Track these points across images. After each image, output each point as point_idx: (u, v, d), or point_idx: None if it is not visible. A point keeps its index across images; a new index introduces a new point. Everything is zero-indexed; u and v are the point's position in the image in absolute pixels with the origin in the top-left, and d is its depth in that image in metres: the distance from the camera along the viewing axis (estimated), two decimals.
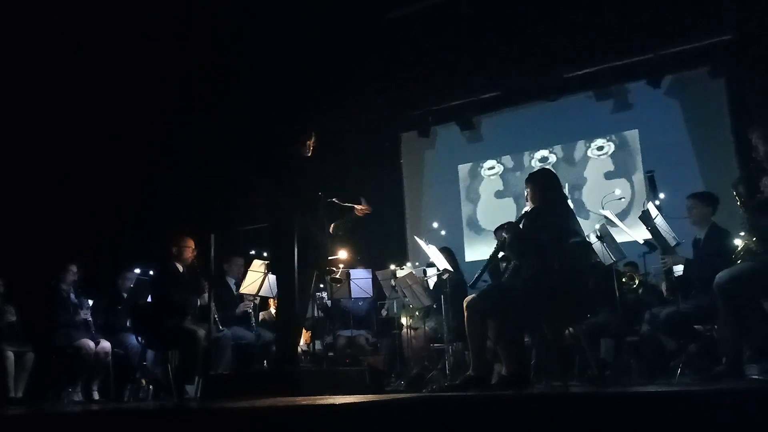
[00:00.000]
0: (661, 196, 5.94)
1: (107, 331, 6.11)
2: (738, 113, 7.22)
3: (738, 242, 3.99)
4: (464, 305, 3.94)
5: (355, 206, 4.68)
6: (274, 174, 4.73)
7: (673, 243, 4.57)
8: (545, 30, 7.46)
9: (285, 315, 4.52)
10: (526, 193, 4.23)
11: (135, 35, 7.19)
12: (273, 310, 5.90)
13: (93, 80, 7.37)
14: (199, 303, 5.50)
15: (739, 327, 3.55)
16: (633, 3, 6.92)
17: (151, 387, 5.90)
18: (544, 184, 4.16)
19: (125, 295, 6.39)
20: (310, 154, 4.77)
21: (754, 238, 3.40)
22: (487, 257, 4.39)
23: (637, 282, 5.68)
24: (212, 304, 5.83)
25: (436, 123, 9.17)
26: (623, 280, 5.51)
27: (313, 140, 4.77)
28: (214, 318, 5.86)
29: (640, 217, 4.78)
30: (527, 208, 4.19)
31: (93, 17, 6.78)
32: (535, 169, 4.41)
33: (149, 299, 5.79)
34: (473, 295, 3.99)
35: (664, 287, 5.07)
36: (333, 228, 4.72)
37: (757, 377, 3.83)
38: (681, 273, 4.70)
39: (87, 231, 7.58)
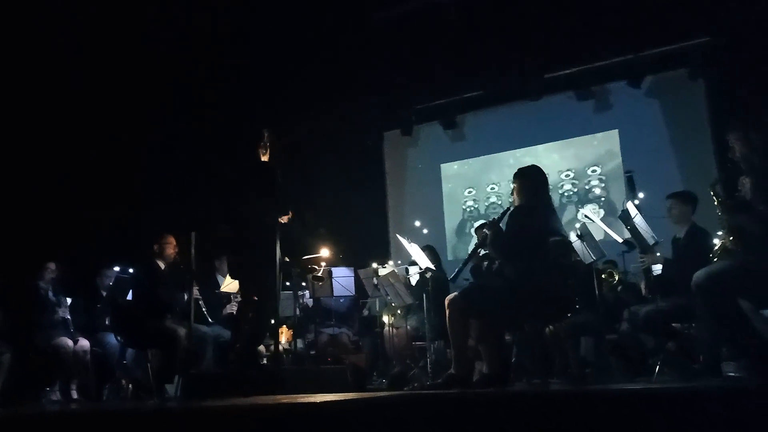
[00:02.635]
0: (641, 195, 6.01)
1: (86, 329, 6.04)
2: (716, 114, 7.33)
3: (717, 242, 4.04)
4: (446, 304, 3.95)
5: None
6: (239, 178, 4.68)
7: (651, 242, 4.62)
8: (527, 30, 7.50)
9: (264, 315, 4.50)
10: (512, 187, 4.23)
11: (123, 35, 7.15)
12: None
13: (71, 80, 7.30)
14: (186, 297, 5.46)
15: (716, 325, 3.59)
16: (614, 4, 6.98)
17: (130, 386, 5.84)
18: (533, 181, 4.15)
19: (104, 293, 6.32)
20: (267, 157, 4.68)
21: (732, 238, 3.44)
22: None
23: (616, 280, 5.74)
24: (201, 302, 5.82)
25: (419, 122, 9.18)
26: (604, 277, 5.55)
27: (267, 141, 4.66)
28: (204, 312, 5.85)
29: (619, 217, 4.82)
30: (510, 205, 4.20)
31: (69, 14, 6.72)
32: (524, 165, 4.33)
33: (129, 297, 5.73)
34: (455, 293, 3.99)
35: (643, 286, 5.12)
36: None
37: (733, 374, 3.89)
38: (660, 272, 4.75)
39: (66, 228, 7.49)
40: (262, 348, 5.59)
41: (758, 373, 3.14)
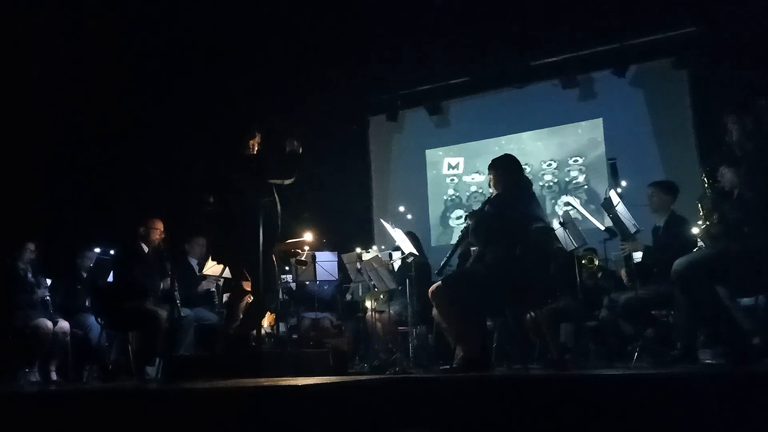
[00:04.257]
0: (623, 183, 6.05)
1: (66, 310, 5.99)
2: (699, 104, 7.38)
3: (696, 230, 4.09)
4: (430, 295, 3.96)
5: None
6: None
7: (633, 230, 4.65)
8: (514, 18, 7.48)
9: (255, 299, 4.50)
10: (489, 179, 4.26)
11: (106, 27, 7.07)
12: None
13: (53, 63, 7.20)
14: (162, 285, 5.43)
15: (694, 313, 3.65)
16: None
17: (110, 368, 5.80)
18: (507, 169, 4.19)
19: (85, 274, 6.26)
20: (255, 152, 4.67)
21: (716, 221, 3.49)
22: (453, 242, 4.41)
23: (596, 267, 5.78)
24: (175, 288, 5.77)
25: (404, 107, 9.16)
26: (584, 263, 5.59)
27: (258, 139, 4.67)
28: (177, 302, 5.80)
29: (602, 204, 4.85)
30: (490, 194, 4.23)
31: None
32: (497, 155, 4.37)
33: (110, 279, 5.69)
34: (437, 283, 4.00)
35: (623, 273, 5.17)
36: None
37: (709, 362, 3.96)
38: (640, 260, 4.80)
39: (46, 207, 7.41)
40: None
41: (733, 361, 3.19)
